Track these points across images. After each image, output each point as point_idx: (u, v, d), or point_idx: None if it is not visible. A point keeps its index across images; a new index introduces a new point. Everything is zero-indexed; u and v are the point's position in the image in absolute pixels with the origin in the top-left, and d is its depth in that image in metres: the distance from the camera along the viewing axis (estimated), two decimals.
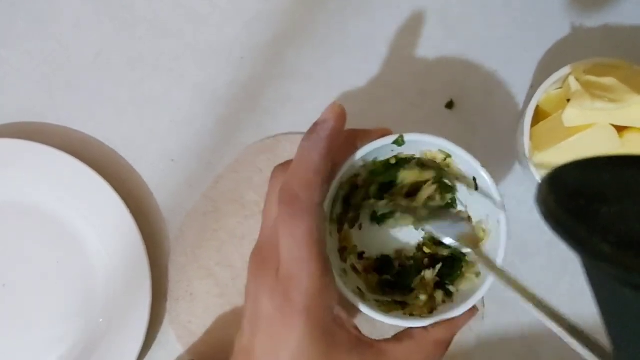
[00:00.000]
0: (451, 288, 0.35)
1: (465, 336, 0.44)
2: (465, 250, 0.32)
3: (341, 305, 0.31)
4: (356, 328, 0.31)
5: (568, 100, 0.39)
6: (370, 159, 0.34)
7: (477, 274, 0.34)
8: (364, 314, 0.32)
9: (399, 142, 0.33)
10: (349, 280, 0.34)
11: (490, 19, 0.47)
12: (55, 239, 0.45)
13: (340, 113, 0.31)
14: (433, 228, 0.34)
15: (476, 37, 0.47)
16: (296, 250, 0.29)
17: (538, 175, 0.40)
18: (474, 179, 0.34)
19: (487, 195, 0.33)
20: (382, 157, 0.34)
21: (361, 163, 0.34)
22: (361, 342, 0.31)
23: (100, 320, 0.44)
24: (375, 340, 0.31)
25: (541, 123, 0.41)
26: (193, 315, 0.45)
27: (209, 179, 0.46)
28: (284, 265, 0.29)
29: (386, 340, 0.32)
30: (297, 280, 0.29)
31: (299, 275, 0.29)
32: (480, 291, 0.32)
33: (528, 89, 0.46)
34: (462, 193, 0.36)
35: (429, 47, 0.47)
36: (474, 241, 0.33)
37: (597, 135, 0.37)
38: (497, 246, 0.32)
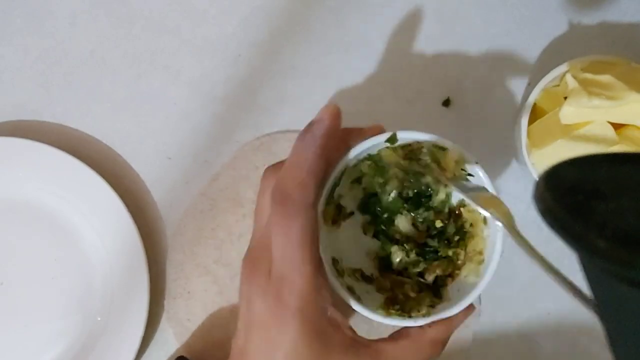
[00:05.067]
0: (447, 288, 0.34)
1: (461, 333, 0.44)
2: (494, 219, 0.30)
3: (336, 306, 0.31)
4: (351, 329, 0.31)
5: (565, 98, 0.39)
6: (362, 156, 0.34)
7: (480, 262, 0.33)
8: (360, 314, 0.32)
9: (392, 140, 0.33)
10: (344, 281, 0.34)
11: (488, 17, 0.47)
12: (53, 237, 0.45)
13: (335, 113, 0.31)
14: (462, 191, 0.32)
15: (473, 35, 0.47)
16: (289, 250, 0.28)
17: (535, 173, 0.40)
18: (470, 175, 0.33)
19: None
20: (374, 152, 0.34)
21: (354, 162, 0.34)
22: (356, 342, 0.30)
23: (99, 318, 0.44)
24: (372, 340, 0.31)
25: (538, 121, 0.41)
26: (191, 313, 0.45)
27: (206, 176, 0.46)
28: (276, 265, 0.29)
29: (382, 340, 0.31)
30: (289, 281, 0.28)
31: (292, 275, 0.28)
32: (477, 290, 0.32)
33: (525, 87, 0.46)
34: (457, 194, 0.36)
35: (426, 44, 0.47)
36: (500, 209, 0.30)
37: (595, 133, 0.37)
38: (491, 252, 0.32)
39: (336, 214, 0.36)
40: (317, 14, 0.47)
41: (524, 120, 0.40)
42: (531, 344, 0.44)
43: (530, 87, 0.45)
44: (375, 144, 0.33)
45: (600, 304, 0.21)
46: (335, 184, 0.34)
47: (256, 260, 0.30)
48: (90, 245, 0.45)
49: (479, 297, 0.45)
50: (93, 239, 0.45)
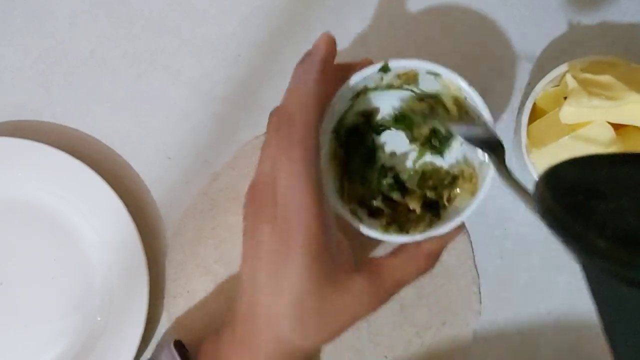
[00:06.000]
0: (445, 204, 0.38)
1: (462, 332, 0.44)
2: (483, 155, 0.33)
3: (338, 228, 0.33)
4: (352, 247, 0.33)
5: (565, 98, 0.39)
6: (360, 87, 0.36)
7: (473, 192, 0.36)
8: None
9: (385, 69, 0.34)
10: (347, 206, 0.36)
11: (487, 17, 0.47)
12: (53, 237, 0.45)
13: (330, 40, 0.32)
14: (456, 128, 0.35)
15: (473, 35, 0.47)
16: (295, 173, 0.29)
17: (535, 173, 0.40)
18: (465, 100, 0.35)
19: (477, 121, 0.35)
20: (371, 84, 0.36)
21: (351, 94, 0.36)
22: (359, 260, 0.33)
23: (99, 318, 0.44)
24: (372, 257, 0.34)
25: (538, 121, 0.41)
26: (191, 313, 0.45)
27: (206, 176, 0.46)
28: (282, 190, 0.30)
29: (382, 256, 0.34)
30: (295, 202, 0.29)
31: (297, 197, 0.29)
32: (469, 209, 0.34)
33: (525, 87, 0.46)
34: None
35: (426, 44, 0.47)
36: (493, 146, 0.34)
37: (594, 133, 0.37)
38: (485, 174, 0.35)
39: (339, 145, 0.38)
40: (317, 14, 0.47)
41: (524, 120, 0.40)
42: (531, 344, 0.44)
43: (530, 87, 0.45)
44: (369, 74, 0.34)
45: (600, 304, 0.21)
46: (341, 116, 0.36)
47: (261, 192, 0.31)
48: (90, 245, 0.45)
49: (480, 297, 0.45)
50: (93, 239, 0.45)
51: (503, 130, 0.46)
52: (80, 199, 0.44)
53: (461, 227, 0.36)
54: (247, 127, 0.47)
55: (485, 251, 0.45)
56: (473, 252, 0.45)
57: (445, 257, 0.44)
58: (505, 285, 0.45)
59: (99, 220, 0.44)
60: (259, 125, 0.47)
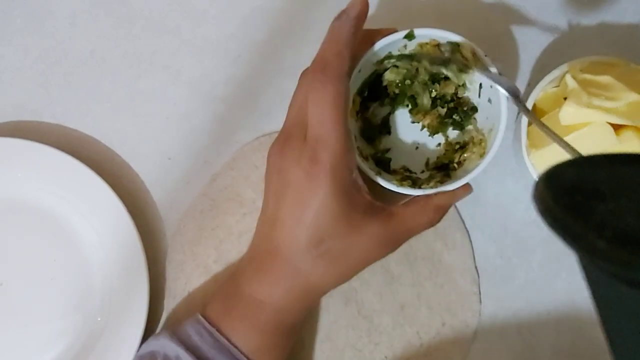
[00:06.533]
0: (455, 166, 0.41)
1: (462, 332, 0.44)
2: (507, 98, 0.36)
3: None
4: (369, 194, 0.35)
5: (565, 99, 0.39)
6: (384, 54, 0.39)
7: (481, 155, 0.39)
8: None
9: (410, 36, 0.37)
10: (366, 161, 0.39)
11: (487, 17, 0.47)
12: (52, 237, 0.45)
13: (365, 1, 0.35)
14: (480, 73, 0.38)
15: (473, 35, 0.46)
16: (326, 112, 0.32)
17: (535, 173, 0.40)
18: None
19: (494, 90, 0.38)
20: (395, 52, 0.39)
21: (375, 59, 0.39)
22: (374, 204, 0.35)
23: (99, 318, 0.44)
24: (386, 205, 0.36)
25: None
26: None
27: (206, 176, 0.46)
28: (312, 128, 0.32)
29: (395, 206, 0.37)
30: (324, 139, 0.32)
31: (327, 135, 0.32)
32: (476, 170, 0.37)
33: (525, 88, 0.46)
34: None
35: None
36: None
37: (594, 133, 0.37)
38: (493, 140, 0.38)
39: (360, 104, 0.41)
40: (317, 14, 0.47)
41: (524, 121, 0.40)
42: (531, 344, 0.44)
43: (530, 87, 0.45)
44: (395, 39, 0.37)
45: (600, 304, 0.21)
46: (364, 81, 0.40)
47: (290, 134, 0.34)
48: (90, 245, 0.45)
49: (479, 296, 0.45)
50: (93, 239, 0.45)
51: (504, 130, 0.46)
52: (80, 199, 0.44)
53: (468, 187, 0.38)
54: (247, 128, 0.47)
55: (485, 251, 0.45)
56: (473, 252, 0.45)
57: (445, 257, 0.45)
58: (505, 285, 0.45)
59: (99, 220, 0.44)
60: (259, 125, 0.47)
